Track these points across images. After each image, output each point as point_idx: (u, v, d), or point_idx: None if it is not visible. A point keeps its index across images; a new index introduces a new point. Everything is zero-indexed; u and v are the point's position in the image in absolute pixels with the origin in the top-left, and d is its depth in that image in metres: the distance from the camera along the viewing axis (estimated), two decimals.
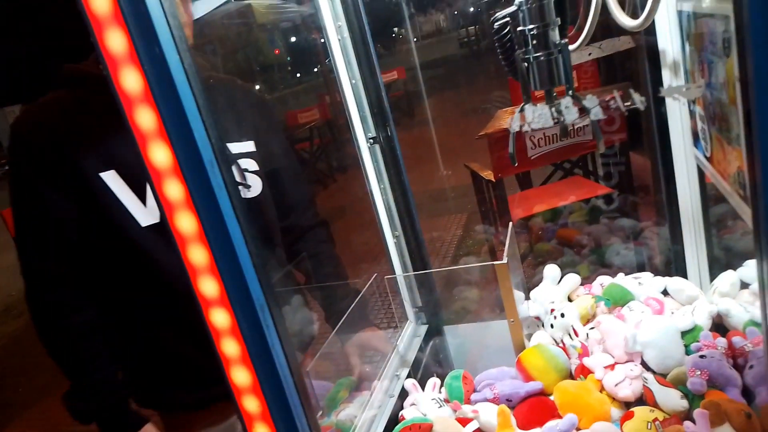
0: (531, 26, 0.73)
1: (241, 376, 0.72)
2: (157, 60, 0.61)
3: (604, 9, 1.01)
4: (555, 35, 0.74)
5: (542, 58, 0.72)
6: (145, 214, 1.11)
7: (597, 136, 0.79)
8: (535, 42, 0.73)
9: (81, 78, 1.14)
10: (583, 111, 0.70)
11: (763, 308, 0.64)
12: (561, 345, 1.20)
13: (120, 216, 1.10)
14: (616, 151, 2.54)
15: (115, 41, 0.62)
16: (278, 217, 1.33)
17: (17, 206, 1.14)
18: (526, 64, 0.75)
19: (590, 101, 0.69)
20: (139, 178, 1.09)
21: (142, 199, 1.11)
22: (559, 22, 0.75)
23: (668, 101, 1.12)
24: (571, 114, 0.71)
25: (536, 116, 0.73)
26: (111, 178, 1.09)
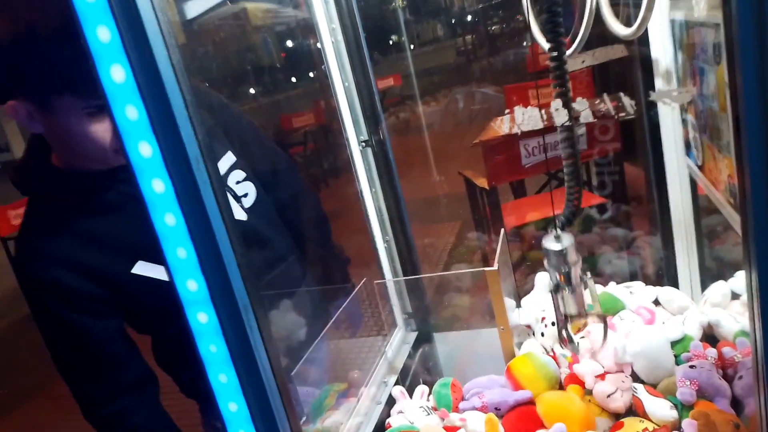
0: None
1: (223, 377, 0.70)
2: (144, 54, 0.60)
3: (599, 18, 1.01)
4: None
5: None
6: None
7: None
8: None
9: (58, 186, 1.06)
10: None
11: (752, 318, 0.64)
12: (551, 354, 1.19)
13: (167, 295, 1.07)
14: (611, 160, 2.54)
15: (103, 35, 0.61)
16: (283, 215, 1.32)
17: (53, 341, 1.09)
18: None
19: (580, 104, 0.69)
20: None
21: None
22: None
23: (661, 110, 1.12)
24: (560, 116, 0.71)
25: (526, 118, 0.72)
26: (143, 268, 1.05)
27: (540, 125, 0.71)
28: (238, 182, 1.20)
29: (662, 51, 1.11)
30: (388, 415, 1.16)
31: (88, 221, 1.05)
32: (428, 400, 1.18)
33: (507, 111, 0.77)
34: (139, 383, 1.15)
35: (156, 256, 1.04)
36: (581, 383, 1.06)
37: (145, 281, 1.06)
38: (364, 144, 1.28)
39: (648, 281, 1.32)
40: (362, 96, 1.26)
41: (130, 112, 0.60)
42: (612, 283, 1.32)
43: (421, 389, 1.20)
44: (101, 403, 1.12)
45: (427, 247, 3.85)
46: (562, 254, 0.90)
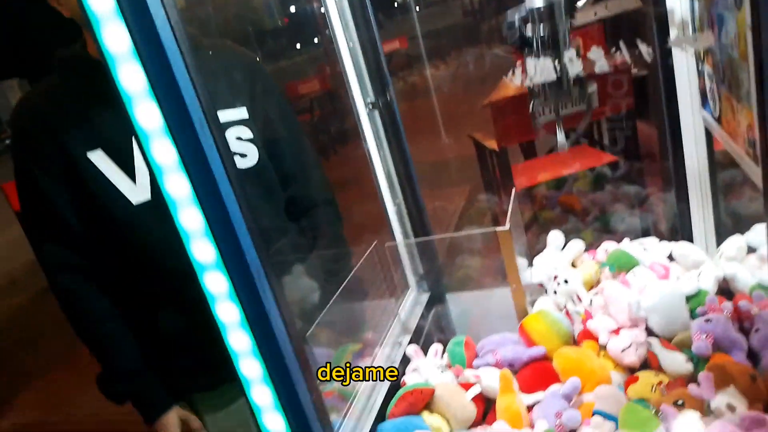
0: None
1: (239, 340, 0.71)
2: (143, 16, 0.58)
3: None
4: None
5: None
6: (136, 192, 1.11)
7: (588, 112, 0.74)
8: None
9: (71, 63, 1.15)
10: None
11: None
12: (564, 311, 1.19)
13: (110, 195, 1.10)
14: (623, 116, 2.50)
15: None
16: (282, 187, 1.30)
17: (21, 195, 1.18)
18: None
19: (595, 53, 0.66)
20: (127, 157, 1.10)
21: (132, 177, 1.11)
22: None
23: (676, 60, 1.09)
24: (575, 67, 0.68)
25: (539, 69, 0.69)
26: (98, 158, 1.10)
27: (553, 76, 0.68)
28: (239, 138, 1.20)
29: (678, 0, 1.07)
30: (403, 374, 1.18)
31: (81, 102, 1.12)
32: (442, 358, 1.20)
33: (518, 62, 0.75)
34: (94, 278, 1.19)
35: (118, 159, 1.09)
36: (595, 339, 1.07)
37: (97, 174, 1.10)
38: (371, 106, 1.26)
39: (662, 237, 1.31)
40: (367, 57, 1.23)
41: (134, 79, 0.59)
42: (625, 240, 1.31)
43: (436, 347, 1.20)
44: (54, 269, 1.18)
45: (437, 210, 3.85)
46: (546, 9, 0.77)
